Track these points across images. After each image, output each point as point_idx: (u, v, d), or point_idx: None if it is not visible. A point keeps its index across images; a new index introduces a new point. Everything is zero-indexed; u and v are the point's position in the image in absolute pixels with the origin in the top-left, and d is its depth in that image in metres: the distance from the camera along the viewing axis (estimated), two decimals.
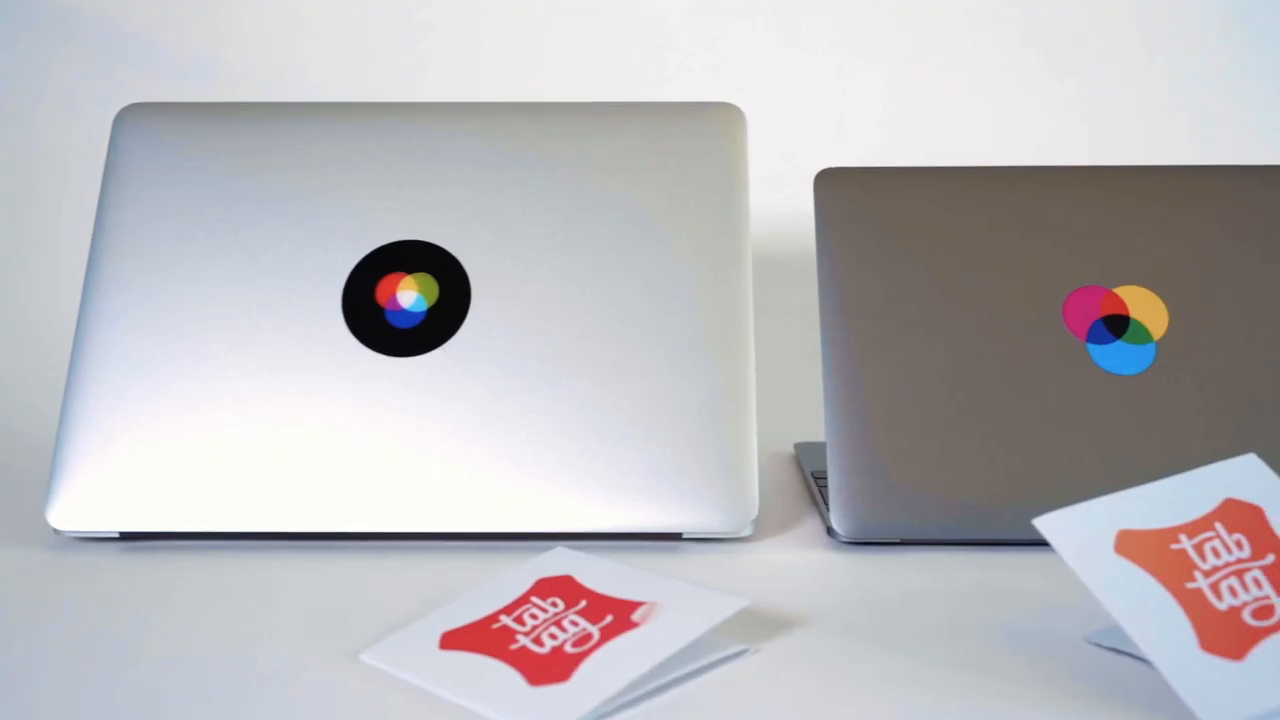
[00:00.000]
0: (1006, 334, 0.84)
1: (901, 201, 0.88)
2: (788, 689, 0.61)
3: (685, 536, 0.81)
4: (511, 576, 0.69)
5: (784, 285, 1.21)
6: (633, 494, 0.80)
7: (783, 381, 1.06)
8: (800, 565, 0.79)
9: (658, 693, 0.60)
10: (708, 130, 0.88)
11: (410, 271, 0.85)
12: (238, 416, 0.82)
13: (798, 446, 1.05)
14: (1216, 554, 0.63)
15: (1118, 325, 0.84)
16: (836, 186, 0.88)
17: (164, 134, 0.89)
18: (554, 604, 0.65)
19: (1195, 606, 0.60)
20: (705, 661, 0.62)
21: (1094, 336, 0.84)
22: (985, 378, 0.83)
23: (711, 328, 0.83)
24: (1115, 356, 0.83)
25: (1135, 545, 0.63)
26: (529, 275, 0.85)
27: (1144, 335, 0.84)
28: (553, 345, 0.83)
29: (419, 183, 0.87)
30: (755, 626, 0.68)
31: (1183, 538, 0.64)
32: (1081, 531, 0.64)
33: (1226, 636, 0.59)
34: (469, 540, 0.81)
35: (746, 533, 0.81)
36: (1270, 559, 0.63)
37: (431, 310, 0.84)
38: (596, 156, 0.87)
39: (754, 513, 0.80)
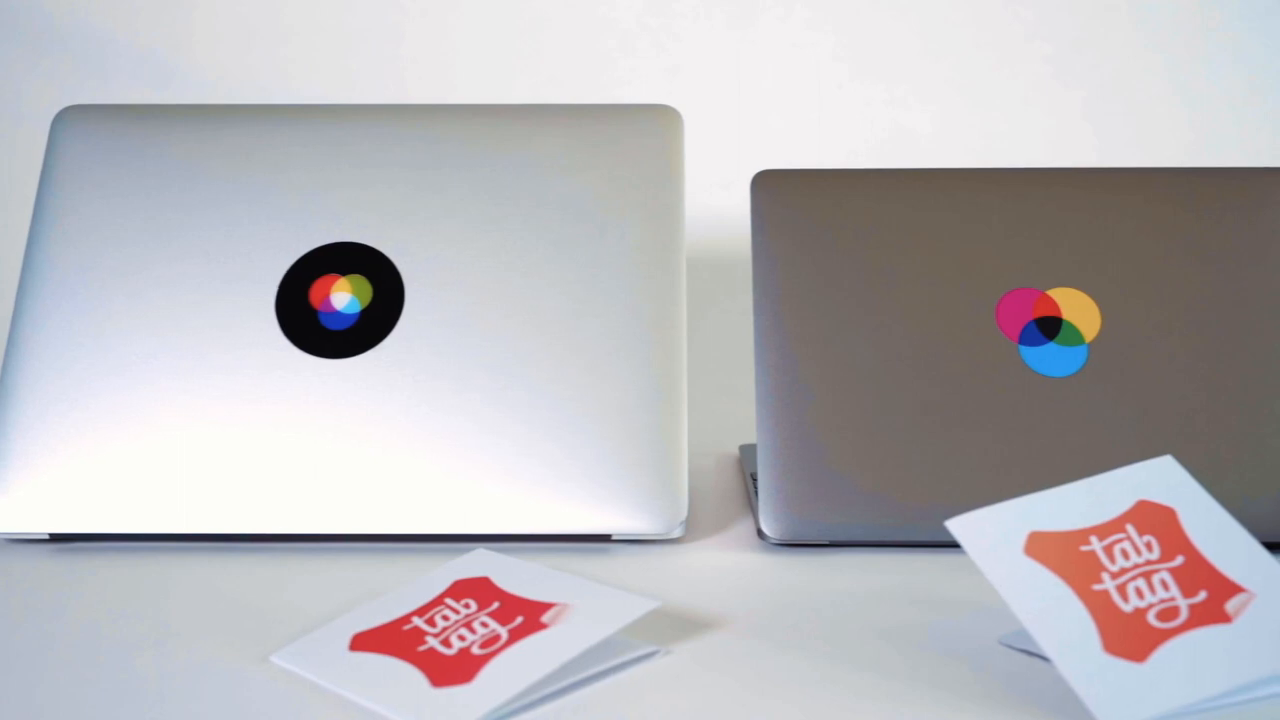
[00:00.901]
0: (940, 336, 0.84)
1: (838, 203, 0.88)
2: (695, 690, 0.61)
3: (614, 538, 0.81)
4: (430, 578, 0.69)
5: (742, 288, 1.21)
6: (562, 496, 0.80)
7: (734, 383, 1.05)
8: (728, 567, 0.79)
9: (565, 693, 0.60)
10: (644, 132, 0.88)
11: (344, 273, 0.85)
12: (169, 419, 0.82)
13: (742, 448, 1.05)
14: (1126, 555, 0.63)
15: (1050, 327, 0.84)
16: (773, 188, 0.88)
17: (101, 136, 0.89)
18: (467, 605, 0.65)
19: (1101, 608, 0.61)
20: (614, 663, 0.62)
21: (1026, 338, 0.84)
22: (917, 380, 0.83)
23: (644, 329, 0.83)
24: (1047, 358, 0.83)
25: (1045, 547, 0.64)
26: (463, 277, 0.85)
27: (1076, 337, 0.84)
28: (485, 347, 0.83)
29: (355, 185, 0.87)
30: (674, 628, 0.68)
31: (1093, 539, 0.64)
32: (992, 533, 0.64)
33: (1130, 638, 0.59)
34: (398, 542, 0.81)
35: (677, 534, 0.81)
36: (1179, 560, 0.63)
37: (365, 312, 0.84)
38: (532, 159, 0.88)
39: (683, 514, 0.80)
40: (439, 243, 0.86)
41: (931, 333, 0.84)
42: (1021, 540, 0.64)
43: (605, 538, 0.81)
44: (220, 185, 0.87)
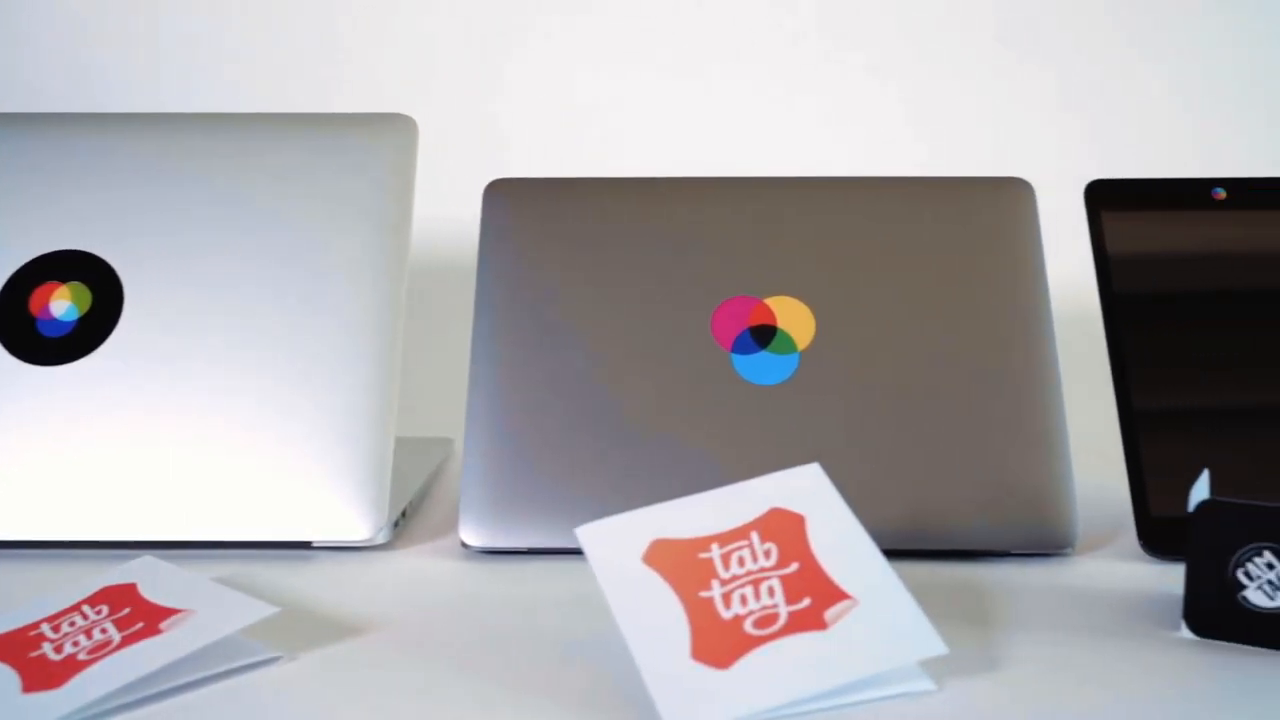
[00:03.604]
0: (654, 345, 0.84)
1: (564, 211, 0.88)
2: (297, 697, 0.61)
3: (315, 545, 0.81)
4: (81, 585, 0.69)
5: None
6: (262, 503, 0.80)
7: None
8: (422, 574, 0.79)
9: (168, 696, 0.60)
10: (376, 140, 0.89)
11: (65, 281, 0.86)
12: None
13: None
14: (741, 563, 0.64)
15: (763, 335, 0.84)
16: (502, 197, 0.89)
17: None
18: (99, 612, 0.65)
19: (700, 615, 0.61)
20: (224, 668, 0.62)
21: (739, 347, 0.84)
22: (626, 389, 0.83)
23: (355, 336, 0.83)
24: (758, 366, 0.84)
25: (664, 554, 0.64)
26: (184, 285, 0.85)
27: (789, 345, 0.84)
28: (199, 353, 0.83)
29: (81, 193, 0.87)
30: (326, 634, 0.68)
31: (714, 547, 0.64)
32: (615, 540, 0.65)
33: (720, 645, 0.60)
34: (94, 549, 0.80)
35: (382, 540, 0.81)
36: (793, 567, 0.63)
37: (83, 319, 0.85)
38: (260, 167, 0.88)
39: (384, 520, 0.80)
40: (163, 251, 0.86)
41: (647, 342, 0.85)
42: (643, 548, 0.64)
43: (307, 545, 0.81)
44: None
